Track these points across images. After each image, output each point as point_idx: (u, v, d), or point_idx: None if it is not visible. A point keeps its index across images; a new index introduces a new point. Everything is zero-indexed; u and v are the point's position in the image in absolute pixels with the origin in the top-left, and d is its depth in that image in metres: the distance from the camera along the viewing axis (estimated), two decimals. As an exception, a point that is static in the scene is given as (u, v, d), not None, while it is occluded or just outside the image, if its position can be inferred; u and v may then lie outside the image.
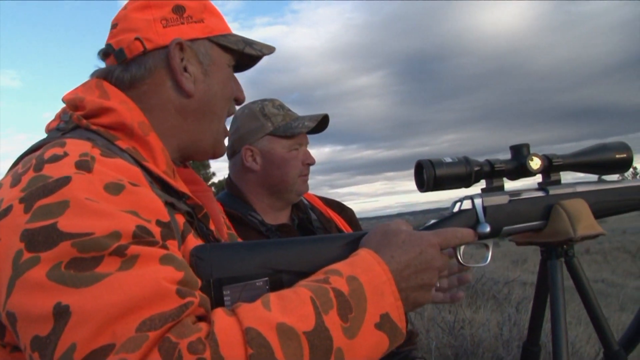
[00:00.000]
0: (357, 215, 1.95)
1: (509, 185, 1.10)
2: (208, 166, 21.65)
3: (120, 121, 0.90)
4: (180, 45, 0.96)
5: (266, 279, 0.86)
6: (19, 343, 0.70)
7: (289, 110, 1.73)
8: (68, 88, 0.99)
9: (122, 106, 0.91)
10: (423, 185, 1.02)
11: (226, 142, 1.76)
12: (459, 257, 1.00)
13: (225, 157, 1.81)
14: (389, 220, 1.00)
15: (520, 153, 1.09)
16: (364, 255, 0.85)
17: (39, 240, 0.69)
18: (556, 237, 1.07)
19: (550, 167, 1.10)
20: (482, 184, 1.08)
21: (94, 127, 0.89)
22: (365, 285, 0.80)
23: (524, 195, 1.08)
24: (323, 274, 0.82)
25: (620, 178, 1.21)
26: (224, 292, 0.83)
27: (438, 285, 1.02)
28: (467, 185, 1.05)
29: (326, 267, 0.84)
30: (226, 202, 1.70)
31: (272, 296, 0.76)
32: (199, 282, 0.79)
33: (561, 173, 1.14)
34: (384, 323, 0.80)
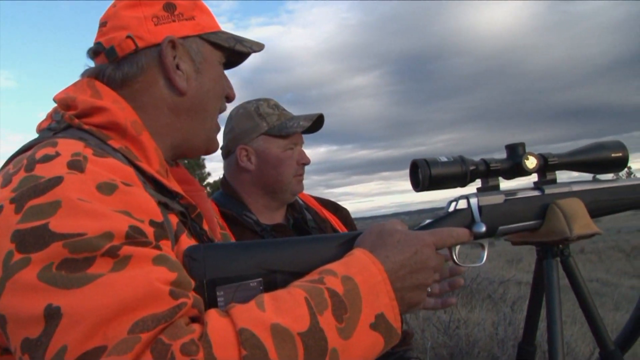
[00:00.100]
0: (353, 215, 1.95)
1: (505, 184, 1.10)
2: (203, 166, 21.63)
3: (112, 120, 0.89)
4: (173, 43, 0.95)
5: (260, 279, 0.85)
6: (9, 345, 0.69)
7: (284, 109, 1.73)
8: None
9: (114, 105, 0.90)
10: (418, 184, 1.02)
11: (220, 139, 1.76)
12: (454, 257, 1.00)
13: (220, 157, 1.80)
14: (384, 220, 0.99)
15: (515, 152, 1.09)
16: (358, 255, 0.84)
17: (30, 241, 0.68)
18: (552, 236, 1.07)
19: (546, 166, 1.10)
20: (478, 183, 1.08)
21: (86, 127, 0.88)
22: (360, 285, 0.79)
23: (520, 195, 1.08)
24: (317, 274, 0.81)
25: (615, 177, 1.21)
26: (218, 293, 0.83)
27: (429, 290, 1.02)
28: (463, 185, 1.04)
29: (321, 267, 0.83)
30: (221, 202, 1.69)
31: (266, 297, 0.76)
32: (192, 283, 0.78)
33: (557, 172, 1.14)
34: (379, 323, 0.79)
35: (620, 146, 1.13)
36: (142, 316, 0.66)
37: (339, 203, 1.92)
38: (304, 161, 1.72)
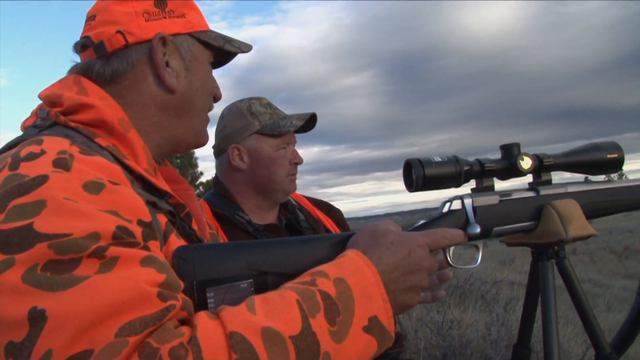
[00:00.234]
0: (346, 215, 1.94)
1: (499, 185, 1.09)
2: (196, 165, 21.59)
3: (99, 118, 0.87)
4: (164, 40, 0.94)
5: (251, 280, 0.84)
6: None
7: (277, 108, 1.72)
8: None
9: (101, 102, 0.89)
10: (412, 185, 1.01)
11: (212, 137, 1.75)
12: (449, 259, 0.99)
13: (212, 156, 1.79)
14: (377, 220, 0.98)
15: (510, 153, 1.08)
16: (351, 257, 0.83)
17: (13, 241, 0.66)
18: (547, 238, 1.06)
19: (541, 167, 1.09)
20: (472, 183, 1.07)
21: (72, 124, 0.86)
22: (353, 287, 0.78)
23: (515, 196, 1.07)
24: (309, 275, 0.80)
25: (606, 179, 1.20)
26: (208, 294, 0.81)
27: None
28: (457, 185, 1.03)
29: (313, 269, 0.82)
30: (213, 202, 1.68)
31: (257, 299, 0.74)
32: (182, 284, 0.76)
33: (551, 173, 1.13)
34: (373, 326, 0.78)
35: (616, 147, 1.12)
36: (130, 319, 0.64)
37: (332, 203, 1.92)
38: (297, 161, 1.71)
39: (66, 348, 0.61)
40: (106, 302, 0.64)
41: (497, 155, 1.10)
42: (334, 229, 1.78)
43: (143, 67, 0.94)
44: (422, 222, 1.00)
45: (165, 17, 0.96)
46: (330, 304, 0.75)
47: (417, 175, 0.98)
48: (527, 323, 1.23)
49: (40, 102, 0.93)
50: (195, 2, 1.03)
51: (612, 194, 1.14)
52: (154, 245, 0.76)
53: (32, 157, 0.75)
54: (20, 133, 0.89)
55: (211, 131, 1.75)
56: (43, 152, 0.76)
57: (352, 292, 0.78)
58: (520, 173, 1.08)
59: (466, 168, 1.02)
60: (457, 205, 1.01)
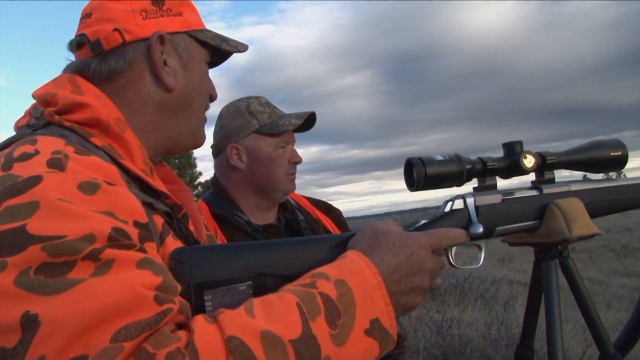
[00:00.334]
0: (345, 215, 1.93)
1: (501, 183, 1.08)
2: (194, 165, 21.59)
3: (95, 117, 0.86)
4: (162, 38, 0.93)
5: (249, 283, 0.82)
6: None
7: (275, 107, 1.71)
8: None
9: (96, 101, 0.88)
10: (413, 184, 0.99)
11: (210, 137, 1.73)
12: (451, 259, 0.97)
13: (211, 156, 1.78)
14: (376, 220, 0.97)
15: (513, 151, 1.06)
16: (352, 258, 0.82)
17: (5, 243, 0.64)
18: (551, 237, 1.05)
19: (544, 165, 1.08)
20: (474, 182, 1.06)
21: (67, 124, 0.85)
22: (354, 289, 0.77)
23: (518, 195, 1.06)
24: (309, 277, 0.79)
25: (604, 177, 1.19)
26: (205, 297, 0.80)
27: None
28: (459, 184, 1.02)
29: (313, 271, 0.81)
30: (212, 202, 1.67)
31: (256, 302, 0.73)
32: (179, 287, 0.75)
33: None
34: (374, 329, 0.77)
35: (620, 145, 1.11)
36: (125, 324, 0.63)
37: (331, 203, 1.91)
38: (296, 160, 1.69)
39: (60, 354, 0.60)
40: (101, 306, 0.62)
41: (499, 153, 1.09)
42: (333, 229, 1.77)
43: (140, 65, 0.93)
44: (423, 221, 0.99)
45: (162, 16, 0.95)
46: (331, 306, 0.74)
47: (419, 174, 0.97)
48: (530, 324, 1.22)
49: (34, 101, 0.91)
50: (193, 2, 1.02)
51: (616, 192, 1.12)
52: (151, 247, 0.75)
53: (25, 157, 0.74)
54: (14, 133, 0.88)
55: (209, 131, 1.74)
56: (37, 152, 0.74)
57: (353, 294, 0.76)
58: (523, 171, 1.07)
59: (468, 167, 1.01)
60: (459, 204, 1.00)
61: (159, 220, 0.85)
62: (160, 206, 0.87)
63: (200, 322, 0.69)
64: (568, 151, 1.11)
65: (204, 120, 1.04)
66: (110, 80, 0.92)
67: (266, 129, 1.63)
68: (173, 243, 0.85)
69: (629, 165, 1.12)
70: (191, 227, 0.96)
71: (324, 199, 1.91)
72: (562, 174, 1.15)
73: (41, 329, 0.61)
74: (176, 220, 0.91)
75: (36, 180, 0.69)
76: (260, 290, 0.81)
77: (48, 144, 0.77)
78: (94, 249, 0.66)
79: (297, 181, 1.72)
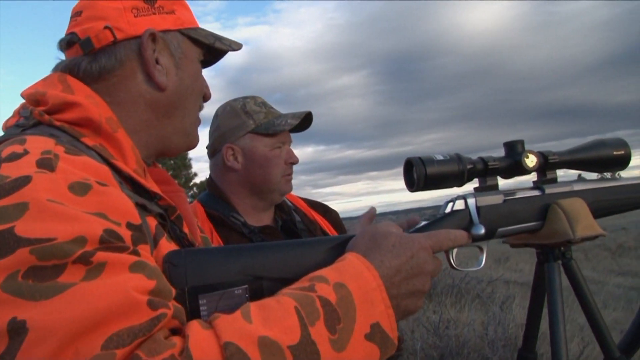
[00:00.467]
0: (340, 215, 1.91)
1: (502, 183, 1.06)
2: (190, 166, 21.56)
3: (86, 116, 0.84)
4: (154, 36, 0.92)
5: (246, 286, 0.80)
6: None
7: (272, 107, 1.69)
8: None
9: (87, 100, 0.86)
10: (413, 184, 0.97)
11: (205, 138, 1.71)
12: (452, 261, 0.95)
13: (207, 157, 1.76)
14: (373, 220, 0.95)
15: (514, 150, 1.05)
16: (351, 260, 0.80)
17: None
18: (554, 238, 1.03)
19: (546, 165, 1.06)
20: (475, 182, 1.04)
21: (57, 123, 0.83)
22: (354, 292, 0.75)
23: (519, 195, 1.04)
24: (308, 281, 0.77)
25: (598, 177, 1.17)
26: (200, 302, 0.78)
27: None
28: (460, 184, 1.00)
29: (311, 274, 0.79)
30: (207, 203, 1.65)
31: (253, 306, 0.71)
32: (173, 291, 0.73)
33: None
34: (375, 333, 0.75)
35: (622, 144, 1.09)
36: (118, 330, 0.61)
37: (328, 204, 1.89)
38: (292, 160, 1.68)
39: None
40: (92, 311, 0.60)
41: (496, 152, 1.07)
42: (330, 230, 1.76)
43: (132, 64, 0.91)
44: (423, 223, 0.97)
45: (154, 13, 0.93)
46: (330, 310, 0.72)
47: (419, 174, 0.95)
48: (532, 326, 1.20)
49: (23, 101, 0.89)
50: (186, 1, 1.01)
51: (620, 192, 1.11)
52: (144, 249, 0.73)
53: (14, 157, 0.72)
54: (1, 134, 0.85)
55: (204, 131, 1.72)
56: (26, 152, 0.72)
57: (353, 297, 0.74)
58: (525, 171, 1.05)
59: (469, 166, 0.99)
60: (459, 205, 0.98)
61: (152, 222, 0.83)
62: (154, 208, 0.85)
63: (195, 328, 0.67)
64: (570, 150, 1.10)
65: (197, 121, 1.03)
66: (101, 79, 0.90)
67: (262, 129, 1.62)
68: (167, 245, 0.83)
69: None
70: (185, 229, 0.94)
71: (319, 200, 1.90)
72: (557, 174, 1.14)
73: (29, 336, 0.59)
74: (170, 222, 0.89)
75: (25, 180, 0.67)
76: (257, 294, 0.79)
77: (37, 143, 0.75)
78: (84, 252, 0.63)
79: (293, 182, 1.70)
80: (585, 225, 1.03)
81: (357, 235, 0.88)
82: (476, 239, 0.96)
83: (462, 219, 0.97)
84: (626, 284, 10.25)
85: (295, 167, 1.71)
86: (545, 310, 1.12)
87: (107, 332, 0.60)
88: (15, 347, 0.58)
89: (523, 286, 7.25)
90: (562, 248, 1.09)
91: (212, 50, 1.02)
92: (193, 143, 1.02)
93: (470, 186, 1.04)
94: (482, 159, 1.02)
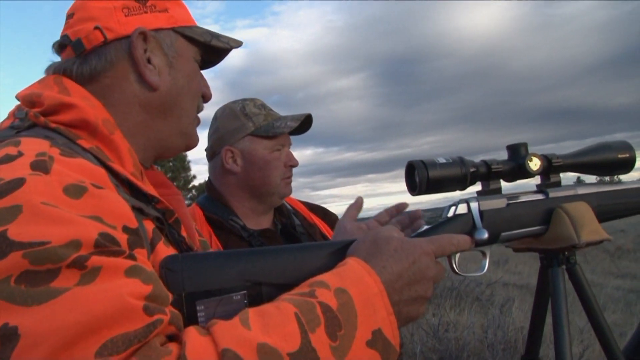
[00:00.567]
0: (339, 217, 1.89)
1: (505, 187, 1.04)
2: (188, 169, 21.53)
3: (82, 118, 0.83)
4: (144, 35, 0.90)
5: (244, 292, 0.78)
6: None
7: (271, 109, 1.68)
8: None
9: (83, 102, 0.84)
10: (415, 188, 0.96)
11: (205, 140, 1.69)
12: (454, 266, 0.94)
13: (206, 159, 1.74)
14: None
15: (518, 153, 1.03)
16: (352, 265, 0.78)
17: None
18: (558, 243, 1.01)
19: (550, 168, 1.04)
20: (478, 186, 1.02)
21: (53, 125, 0.81)
22: (355, 298, 0.73)
23: (523, 199, 1.02)
24: (308, 286, 0.75)
25: (597, 180, 1.16)
26: (198, 308, 0.76)
27: None
28: (463, 188, 0.98)
29: (312, 279, 0.77)
30: (206, 206, 1.64)
31: (252, 312, 0.69)
32: (170, 297, 0.71)
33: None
34: (376, 340, 0.73)
35: (627, 147, 1.08)
36: (112, 336, 0.59)
37: (327, 207, 1.88)
38: (292, 163, 1.66)
39: None
40: (86, 317, 0.59)
41: (495, 154, 1.05)
42: (329, 234, 1.74)
43: (123, 64, 0.90)
44: (426, 227, 0.95)
45: (146, 12, 0.92)
46: (331, 317, 0.70)
47: (421, 177, 0.94)
48: (535, 332, 1.18)
49: (18, 103, 0.88)
50: (183, 0, 0.99)
51: (625, 196, 1.09)
52: (141, 253, 0.72)
53: (8, 159, 0.70)
54: None
55: (204, 133, 1.70)
56: (20, 154, 0.71)
57: (354, 303, 0.73)
58: (528, 174, 1.03)
59: (472, 170, 0.98)
60: (462, 209, 0.97)
61: (149, 226, 0.81)
62: (151, 211, 0.83)
63: (192, 334, 0.65)
64: (574, 153, 1.08)
65: (196, 120, 1.01)
66: (94, 81, 0.89)
67: (262, 132, 1.60)
68: (164, 249, 0.81)
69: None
70: (183, 233, 0.93)
71: (317, 202, 1.88)
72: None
73: (21, 342, 0.57)
74: (168, 225, 0.87)
75: (19, 183, 0.65)
76: (256, 299, 0.77)
77: (32, 145, 0.74)
78: (79, 256, 0.62)
79: (292, 184, 1.69)
80: (590, 229, 1.01)
81: (358, 239, 0.86)
82: (479, 243, 0.95)
83: (464, 223, 0.95)
84: (625, 287, 10.25)
85: (293, 170, 1.69)
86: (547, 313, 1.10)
87: (101, 338, 0.59)
88: (6, 353, 0.57)
89: (522, 289, 7.25)
90: (566, 253, 1.08)
91: (210, 48, 1.00)
92: (192, 143, 1.01)
93: (473, 189, 1.02)
94: (485, 162, 1.00)
